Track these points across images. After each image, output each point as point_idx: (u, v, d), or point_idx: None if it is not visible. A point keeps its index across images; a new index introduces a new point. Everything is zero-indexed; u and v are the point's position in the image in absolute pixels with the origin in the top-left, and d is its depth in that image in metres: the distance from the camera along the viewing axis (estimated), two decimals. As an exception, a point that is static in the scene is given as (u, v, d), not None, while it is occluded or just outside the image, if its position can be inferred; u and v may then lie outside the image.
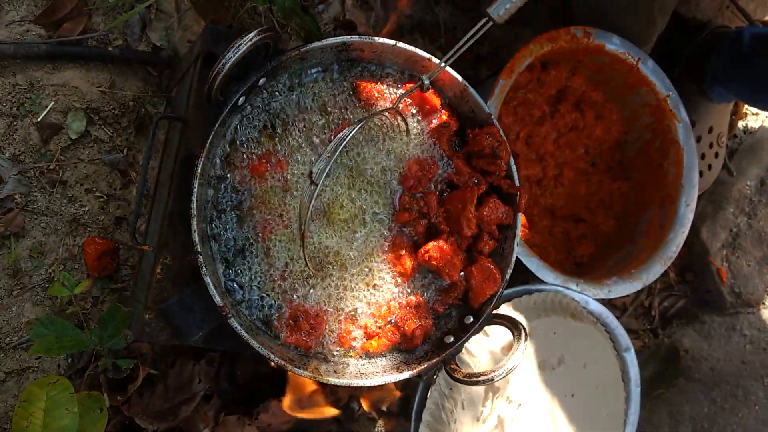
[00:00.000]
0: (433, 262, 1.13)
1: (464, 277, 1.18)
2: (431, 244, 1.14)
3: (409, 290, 1.16)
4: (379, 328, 1.14)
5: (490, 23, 1.09)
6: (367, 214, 1.15)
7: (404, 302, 1.15)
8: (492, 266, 1.18)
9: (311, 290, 1.12)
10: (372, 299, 1.14)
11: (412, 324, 1.14)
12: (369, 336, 1.14)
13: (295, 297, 1.11)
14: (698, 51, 1.78)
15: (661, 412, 1.87)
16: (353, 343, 1.14)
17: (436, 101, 1.18)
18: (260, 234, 1.10)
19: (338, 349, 1.13)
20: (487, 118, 1.19)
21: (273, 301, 1.10)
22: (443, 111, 1.19)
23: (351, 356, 1.14)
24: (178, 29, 1.53)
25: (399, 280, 1.16)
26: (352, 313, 1.14)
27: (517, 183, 1.20)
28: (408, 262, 1.15)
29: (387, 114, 1.14)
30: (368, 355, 1.14)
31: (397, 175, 1.16)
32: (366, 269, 1.14)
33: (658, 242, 1.65)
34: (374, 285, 1.15)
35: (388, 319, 1.14)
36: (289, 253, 1.11)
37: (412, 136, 1.18)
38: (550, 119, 1.72)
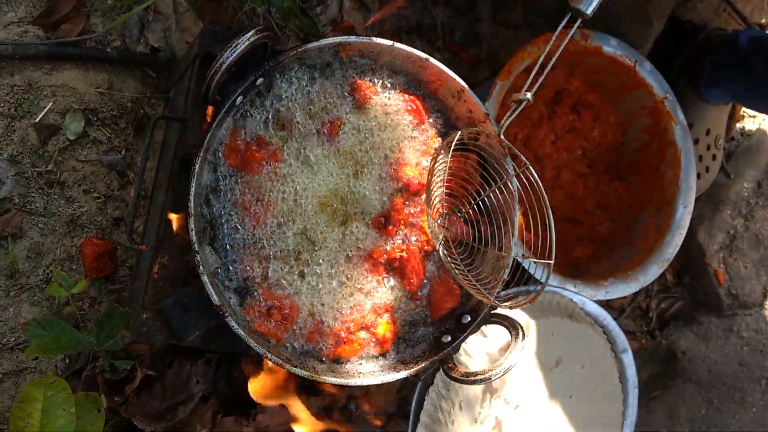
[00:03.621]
0: (400, 263, 1.14)
1: (427, 290, 1.19)
2: (406, 249, 1.15)
3: (380, 294, 1.16)
4: (351, 333, 1.14)
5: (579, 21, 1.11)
6: (354, 216, 1.15)
7: (377, 306, 1.15)
8: (453, 283, 1.20)
9: (290, 282, 1.12)
10: (346, 303, 1.14)
11: (383, 328, 1.14)
12: (340, 341, 1.14)
13: (271, 286, 1.11)
14: (695, 53, 1.78)
15: (659, 413, 1.87)
16: (321, 344, 1.13)
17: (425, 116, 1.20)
18: (248, 221, 1.10)
19: (306, 346, 1.13)
20: (483, 118, 1.19)
21: (251, 287, 1.10)
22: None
23: (320, 358, 1.14)
24: (176, 31, 1.53)
25: (374, 284, 1.16)
26: (325, 312, 1.13)
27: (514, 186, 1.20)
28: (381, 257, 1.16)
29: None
30: (337, 360, 1.14)
31: (392, 186, 1.18)
32: (342, 269, 1.14)
33: (656, 244, 1.65)
34: (350, 287, 1.15)
35: (360, 324, 1.14)
36: (273, 241, 1.11)
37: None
38: (548, 121, 1.72)
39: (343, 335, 1.13)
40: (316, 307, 1.13)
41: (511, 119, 1.13)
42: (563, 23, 1.10)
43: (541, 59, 1.12)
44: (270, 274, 1.11)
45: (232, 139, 1.11)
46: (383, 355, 1.16)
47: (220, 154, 1.10)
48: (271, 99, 1.13)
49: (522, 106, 1.12)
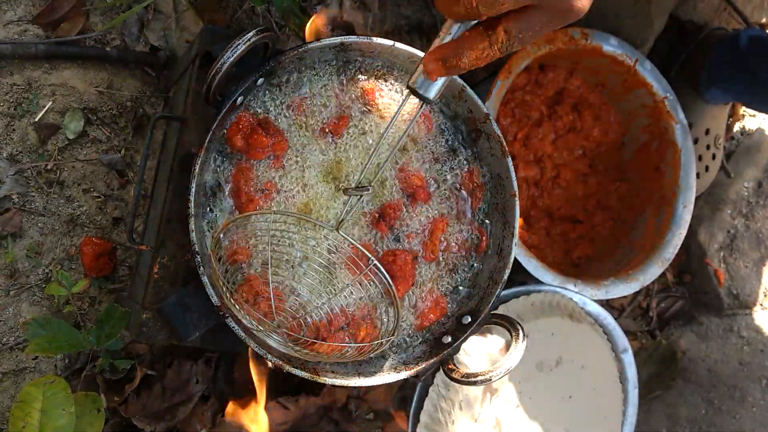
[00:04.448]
0: (393, 266, 1.14)
1: (414, 300, 1.19)
2: (399, 252, 1.15)
3: (366, 296, 1.16)
4: (331, 331, 1.13)
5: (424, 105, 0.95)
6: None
7: (361, 307, 1.15)
8: (440, 295, 1.20)
9: (276, 272, 1.11)
10: (333, 299, 1.14)
11: (363, 332, 1.14)
12: (319, 337, 1.13)
13: (257, 272, 1.10)
14: (695, 53, 1.78)
15: (659, 413, 1.87)
16: (300, 338, 1.12)
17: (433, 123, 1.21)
18: (241, 205, 1.10)
19: (286, 338, 1.12)
20: (484, 118, 1.19)
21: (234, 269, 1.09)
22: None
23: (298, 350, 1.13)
24: (175, 30, 1.53)
25: (362, 284, 1.15)
26: (311, 306, 1.13)
27: (515, 187, 1.20)
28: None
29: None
30: (315, 356, 1.13)
31: (395, 189, 1.18)
32: (333, 263, 1.14)
33: (656, 244, 1.65)
34: (339, 284, 1.14)
35: (343, 323, 1.14)
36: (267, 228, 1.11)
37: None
38: (548, 121, 1.72)
39: (323, 332, 1.12)
40: (302, 299, 1.12)
41: (349, 215, 1.09)
42: (402, 102, 0.95)
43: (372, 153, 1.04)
44: (261, 261, 1.10)
45: (239, 120, 1.10)
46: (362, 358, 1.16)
47: (224, 132, 1.10)
48: (279, 91, 1.14)
49: (361, 199, 1.09)
